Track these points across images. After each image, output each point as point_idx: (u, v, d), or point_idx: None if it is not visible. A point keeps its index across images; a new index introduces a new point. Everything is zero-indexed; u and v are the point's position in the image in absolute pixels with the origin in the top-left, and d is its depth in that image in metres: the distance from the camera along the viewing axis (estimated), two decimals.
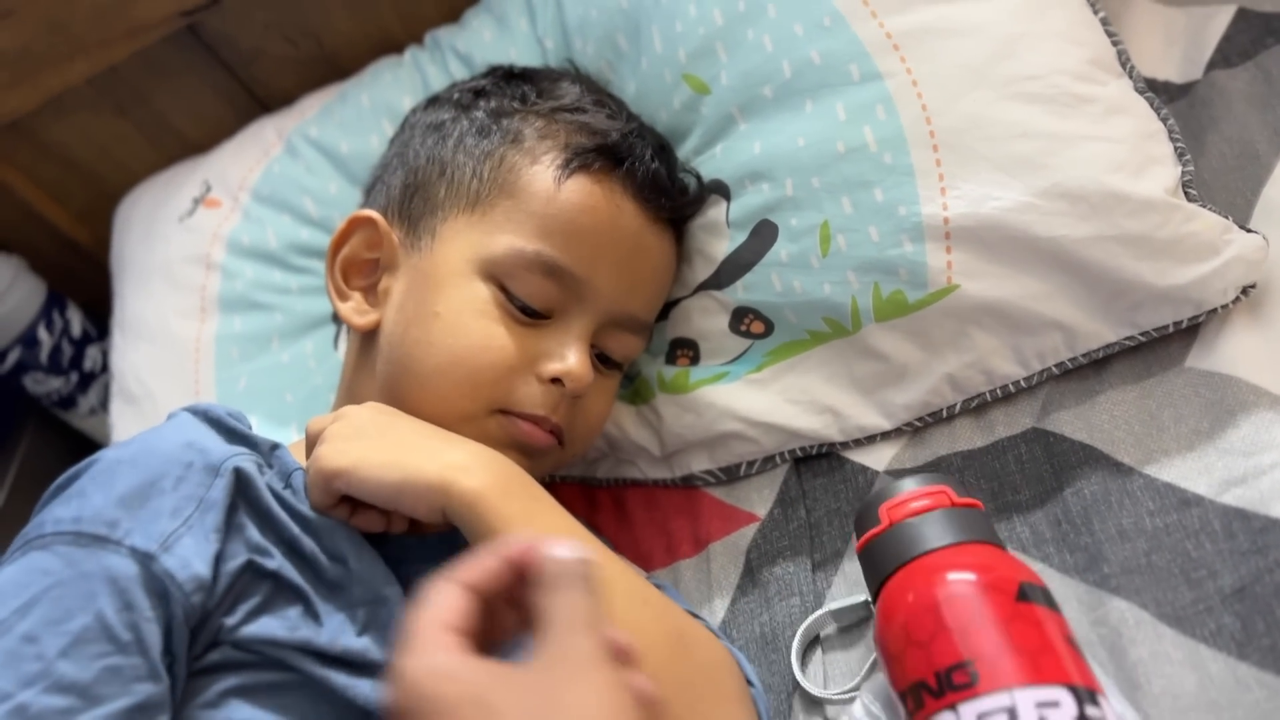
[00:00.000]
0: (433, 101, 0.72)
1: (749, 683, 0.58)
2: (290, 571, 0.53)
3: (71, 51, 0.83)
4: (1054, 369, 0.65)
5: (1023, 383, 0.66)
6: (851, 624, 0.60)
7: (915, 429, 0.68)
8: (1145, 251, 0.61)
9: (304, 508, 0.55)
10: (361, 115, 0.82)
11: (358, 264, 0.67)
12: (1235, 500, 0.55)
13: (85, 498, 0.51)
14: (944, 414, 0.67)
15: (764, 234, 0.68)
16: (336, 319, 0.78)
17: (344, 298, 0.66)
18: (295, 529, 0.54)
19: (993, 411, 0.66)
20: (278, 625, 0.52)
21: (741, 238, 0.69)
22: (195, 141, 0.91)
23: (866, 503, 0.55)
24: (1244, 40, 0.74)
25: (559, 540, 0.42)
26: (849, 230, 0.65)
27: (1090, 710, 0.44)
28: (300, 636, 0.52)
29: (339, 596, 0.54)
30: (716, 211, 0.70)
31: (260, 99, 0.91)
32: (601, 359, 0.66)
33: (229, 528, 0.53)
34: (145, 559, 0.49)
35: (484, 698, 0.38)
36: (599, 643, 0.40)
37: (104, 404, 0.94)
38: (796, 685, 0.59)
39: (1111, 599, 0.54)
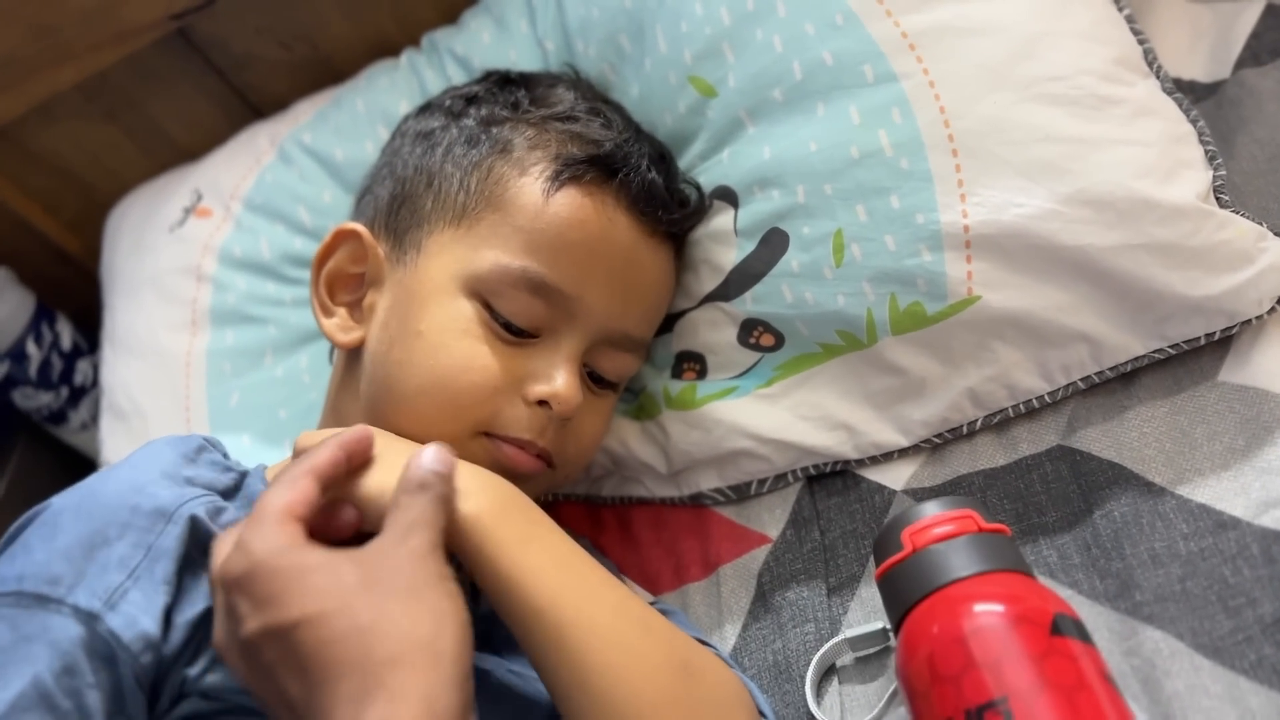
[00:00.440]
0: (425, 108, 0.70)
1: (761, 714, 0.55)
2: None
3: (59, 57, 0.81)
4: (1080, 383, 0.62)
5: (1047, 398, 0.63)
6: (869, 653, 0.58)
7: (934, 446, 0.65)
8: (1176, 260, 0.58)
9: None
10: (356, 121, 0.80)
11: (343, 278, 0.65)
12: (1274, 523, 0.53)
13: (29, 553, 0.48)
14: (964, 430, 0.64)
15: (774, 243, 0.65)
16: None
17: (328, 314, 0.64)
18: None
19: (1016, 428, 0.64)
20: None
21: (750, 247, 0.66)
22: (188, 148, 0.89)
23: (887, 527, 0.52)
24: (1274, 37, 0.71)
25: (426, 448, 0.49)
26: (864, 239, 0.63)
27: None
28: None
29: None
30: (724, 219, 0.68)
31: (254, 104, 0.89)
32: (594, 378, 0.64)
33: (182, 576, 0.50)
34: (89, 619, 0.47)
35: (327, 566, 0.44)
36: (431, 542, 0.46)
37: (95, 419, 0.92)
38: (811, 718, 0.56)
39: (1145, 628, 0.52)
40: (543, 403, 0.59)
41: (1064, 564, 0.56)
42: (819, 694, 0.58)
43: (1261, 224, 0.60)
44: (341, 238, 0.64)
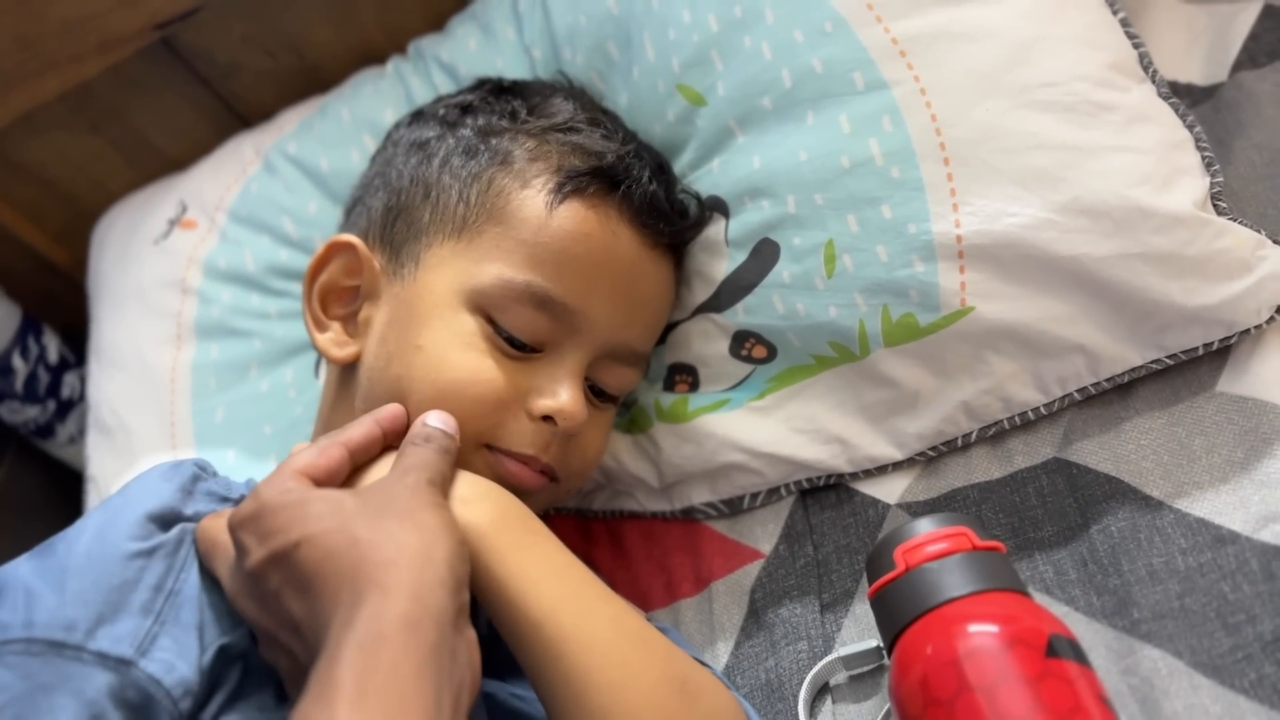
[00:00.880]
0: (417, 116, 0.69)
1: None
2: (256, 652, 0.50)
3: (41, 68, 0.80)
4: (1076, 395, 0.61)
5: (1043, 410, 0.62)
6: (863, 671, 0.57)
7: (929, 459, 0.64)
8: (1173, 270, 0.57)
9: None
10: (342, 130, 0.79)
11: (336, 291, 0.64)
12: (1274, 537, 0.52)
13: (35, 598, 0.46)
14: (959, 443, 0.64)
15: (765, 254, 0.64)
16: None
17: (322, 328, 0.63)
18: None
19: (1011, 441, 0.63)
20: (255, 713, 0.48)
21: (741, 257, 0.65)
22: (174, 158, 0.88)
23: (880, 545, 0.52)
24: (1272, 39, 0.70)
25: (431, 411, 0.54)
26: (855, 250, 0.62)
27: None
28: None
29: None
30: (715, 230, 0.67)
31: (240, 114, 0.88)
32: (595, 391, 0.63)
33: (202, 619, 0.48)
34: (119, 665, 0.45)
35: (328, 496, 0.47)
36: (429, 480, 0.49)
37: (83, 432, 0.91)
38: None
39: (1143, 646, 0.51)
40: (547, 418, 0.58)
41: (1060, 580, 0.55)
42: (812, 713, 0.57)
43: (1260, 231, 0.59)
44: (335, 250, 0.63)
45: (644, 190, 0.61)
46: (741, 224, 0.65)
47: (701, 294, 0.67)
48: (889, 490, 0.64)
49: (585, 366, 0.60)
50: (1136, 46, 0.64)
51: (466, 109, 0.65)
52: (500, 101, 0.65)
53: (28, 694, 0.43)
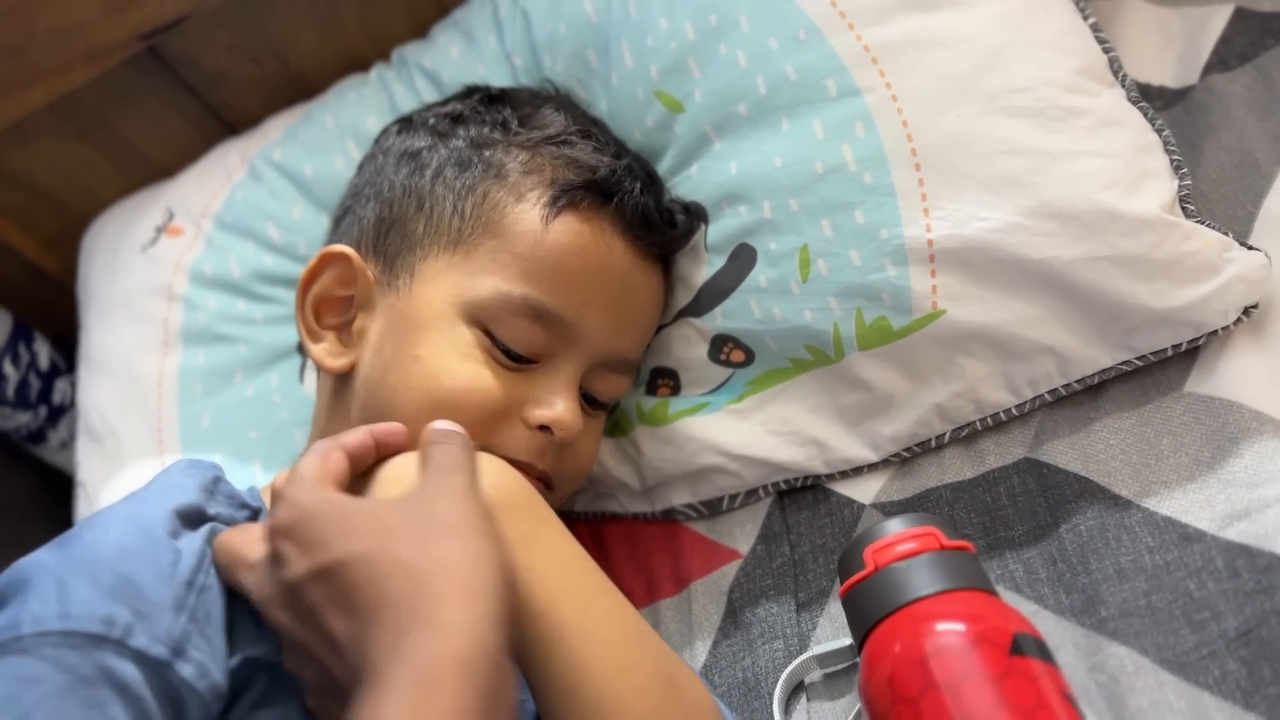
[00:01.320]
0: (406, 125, 0.69)
1: None
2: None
3: (29, 78, 0.81)
4: (1047, 396, 0.62)
5: (1014, 411, 0.63)
6: (837, 669, 0.58)
7: (903, 460, 0.65)
8: (1141, 272, 0.58)
9: None
10: (326, 137, 0.79)
11: (330, 302, 0.64)
12: (1239, 536, 0.52)
13: (65, 588, 0.45)
14: (932, 444, 0.64)
15: (742, 259, 0.65)
16: (302, 351, 0.76)
17: (316, 339, 0.64)
18: None
19: (983, 441, 0.64)
20: None
21: (720, 262, 0.66)
22: (162, 165, 0.89)
23: (851, 545, 0.52)
24: (1242, 42, 0.71)
25: (437, 421, 0.53)
26: (829, 254, 0.62)
27: None
28: None
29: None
30: (695, 235, 0.67)
31: (227, 121, 0.89)
32: (588, 399, 0.64)
33: (231, 622, 0.49)
34: (156, 665, 0.44)
35: (372, 510, 0.46)
36: (466, 485, 0.48)
37: (74, 438, 0.92)
38: None
39: (1110, 644, 0.52)
40: (544, 427, 0.59)
41: (1030, 579, 0.56)
42: (787, 711, 0.58)
43: (1228, 234, 0.60)
44: (328, 260, 0.64)
45: (636, 202, 0.62)
46: (719, 229, 0.66)
47: (682, 299, 0.68)
48: (864, 491, 0.65)
49: (580, 376, 0.61)
50: (1107, 51, 0.65)
51: (457, 119, 0.66)
52: (490, 111, 0.66)
53: (69, 686, 0.42)
